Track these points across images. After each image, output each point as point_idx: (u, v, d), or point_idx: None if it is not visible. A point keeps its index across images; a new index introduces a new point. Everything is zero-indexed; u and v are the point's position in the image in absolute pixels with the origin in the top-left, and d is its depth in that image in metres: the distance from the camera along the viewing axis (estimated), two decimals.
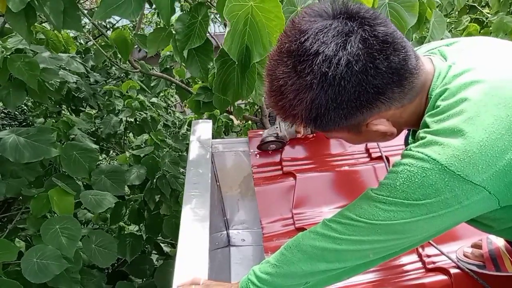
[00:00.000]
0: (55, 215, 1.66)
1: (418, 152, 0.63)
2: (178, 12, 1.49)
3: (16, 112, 3.35)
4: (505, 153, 0.59)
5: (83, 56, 2.94)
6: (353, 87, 0.63)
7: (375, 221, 0.67)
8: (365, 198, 0.70)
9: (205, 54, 1.40)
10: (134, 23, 3.24)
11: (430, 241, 1.09)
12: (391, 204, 0.65)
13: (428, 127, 0.65)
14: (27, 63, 1.79)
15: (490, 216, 0.69)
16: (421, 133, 0.66)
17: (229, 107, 2.52)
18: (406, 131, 0.84)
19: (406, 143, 0.85)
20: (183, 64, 1.44)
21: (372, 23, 0.64)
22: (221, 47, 1.22)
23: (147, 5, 1.90)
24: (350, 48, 0.62)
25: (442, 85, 0.67)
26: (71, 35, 2.94)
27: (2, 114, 2.97)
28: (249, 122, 3.30)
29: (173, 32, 1.40)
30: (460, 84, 0.64)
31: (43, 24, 2.37)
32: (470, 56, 0.70)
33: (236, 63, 1.18)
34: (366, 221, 0.68)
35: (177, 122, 3.15)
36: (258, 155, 1.41)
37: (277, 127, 1.40)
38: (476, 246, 1.02)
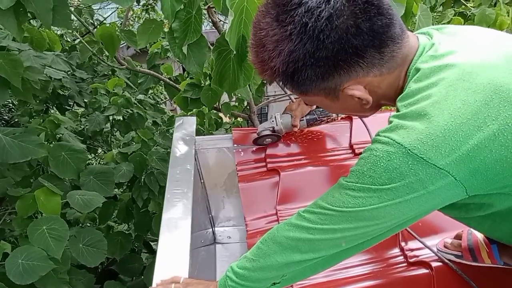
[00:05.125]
0: (42, 215, 1.63)
1: (384, 136, 0.63)
2: None
3: (2, 111, 3.31)
4: (470, 138, 0.58)
5: (69, 53, 2.91)
6: (332, 43, 0.63)
7: (345, 208, 0.67)
8: (337, 186, 0.70)
9: (198, 49, 1.39)
10: (121, 19, 3.20)
11: (413, 233, 1.10)
12: (360, 190, 0.65)
13: (399, 111, 0.65)
14: (10, 60, 1.75)
15: (459, 203, 0.68)
16: (391, 117, 0.66)
17: (217, 104, 2.51)
18: None
19: None
20: (179, 60, 1.43)
21: None
22: (215, 41, 1.21)
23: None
24: (334, 3, 0.62)
25: (419, 62, 0.67)
26: (58, 32, 2.90)
27: None
28: (238, 119, 3.29)
29: (166, 28, 1.38)
30: (435, 66, 0.64)
31: (28, 22, 2.33)
32: (454, 40, 0.69)
33: (234, 53, 1.16)
34: (337, 209, 0.68)
35: (166, 120, 3.12)
36: (242, 152, 1.39)
37: (273, 121, 1.35)
38: (458, 237, 1.02)
